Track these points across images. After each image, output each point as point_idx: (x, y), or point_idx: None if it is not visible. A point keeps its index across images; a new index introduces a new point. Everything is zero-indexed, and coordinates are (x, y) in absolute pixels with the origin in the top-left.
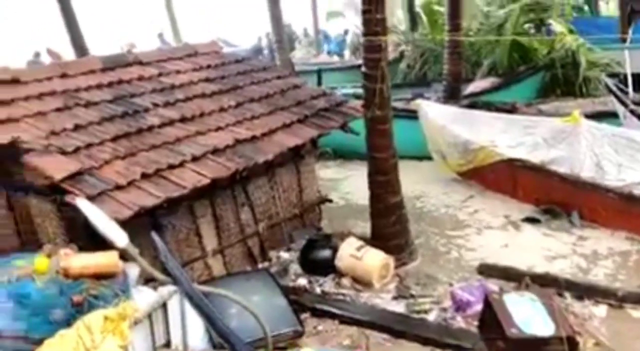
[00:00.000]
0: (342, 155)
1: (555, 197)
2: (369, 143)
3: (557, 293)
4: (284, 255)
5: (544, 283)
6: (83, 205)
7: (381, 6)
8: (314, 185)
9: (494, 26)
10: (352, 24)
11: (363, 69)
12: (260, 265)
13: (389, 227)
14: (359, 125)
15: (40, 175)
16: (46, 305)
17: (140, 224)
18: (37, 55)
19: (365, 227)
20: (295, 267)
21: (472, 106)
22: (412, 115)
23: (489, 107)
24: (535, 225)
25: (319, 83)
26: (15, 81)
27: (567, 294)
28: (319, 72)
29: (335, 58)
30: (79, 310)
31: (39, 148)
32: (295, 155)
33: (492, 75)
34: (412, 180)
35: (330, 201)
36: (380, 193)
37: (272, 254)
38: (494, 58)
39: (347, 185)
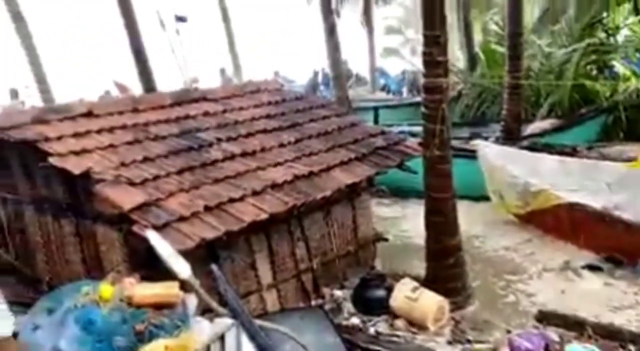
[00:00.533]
0: (399, 193)
1: (619, 244)
2: (427, 183)
3: (620, 346)
4: (338, 292)
5: (607, 335)
6: (151, 236)
7: (442, 48)
8: (369, 222)
9: (555, 67)
10: (408, 61)
11: (423, 109)
12: (313, 302)
13: (446, 269)
14: (416, 163)
15: (109, 204)
16: (110, 332)
17: (198, 255)
18: (107, 93)
19: (420, 267)
20: (348, 305)
21: (531, 148)
22: (470, 154)
23: (549, 149)
24: (597, 273)
25: (376, 120)
26: (89, 114)
27: (631, 347)
28: (375, 110)
29: (391, 95)
30: (140, 338)
31: (109, 179)
32: (351, 192)
33: (552, 116)
34: (468, 221)
35: (386, 240)
36: (438, 234)
37: (326, 291)
38: (554, 99)
39: (403, 224)
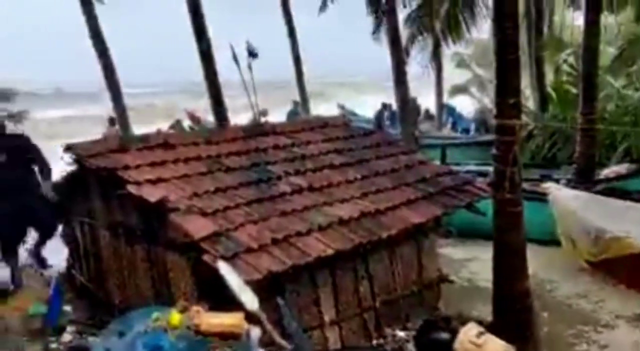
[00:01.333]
0: (466, 234)
1: None
2: (497, 225)
3: None
4: (400, 333)
5: None
6: (222, 266)
7: (515, 89)
8: (435, 263)
9: (631, 109)
10: (477, 99)
11: (494, 150)
12: (375, 341)
13: (514, 314)
14: (485, 204)
15: (181, 233)
16: None
17: (262, 287)
18: (177, 122)
19: (486, 311)
20: (410, 347)
21: (606, 192)
22: (540, 197)
23: (624, 194)
24: None
25: (443, 158)
26: (166, 144)
27: None
28: (443, 148)
29: (459, 133)
30: None
31: (182, 208)
32: (417, 232)
33: (627, 160)
34: (538, 265)
35: (451, 281)
36: (506, 278)
37: (388, 331)
38: (630, 142)
39: (470, 266)
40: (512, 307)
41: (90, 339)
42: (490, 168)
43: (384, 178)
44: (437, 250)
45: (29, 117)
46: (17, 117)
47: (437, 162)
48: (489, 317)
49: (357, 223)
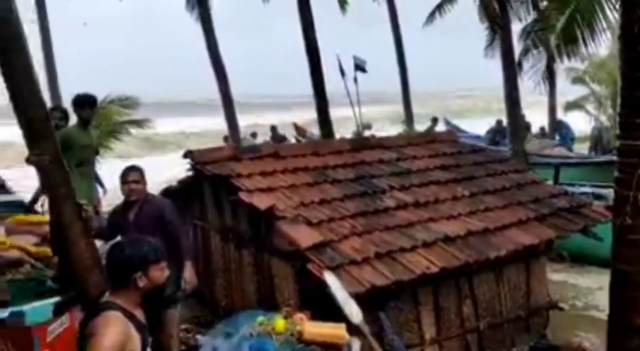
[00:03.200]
0: (580, 260)
1: None
2: (616, 253)
3: None
4: None
5: None
6: (328, 277)
7: None
8: (544, 288)
9: None
10: (594, 117)
11: (616, 173)
12: None
13: (630, 350)
14: (603, 229)
15: (287, 241)
16: None
17: (362, 300)
18: (253, 135)
19: (598, 344)
20: None
21: None
22: None
23: None
24: None
25: (556, 178)
26: (276, 155)
27: None
28: (556, 167)
29: (572, 153)
30: None
31: (289, 217)
32: (527, 254)
33: None
34: None
35: (561, 308)
36: (624, 310)
37: None
38: None
39: (583, 293)
40: (629, 342)
41: (198, 337)
42: (608, 191)
43: (494, 197)
44: (547, 275)
45: (150, 125)
46: (140, 124)
47: (550, 182)
48: (601, 350)
49: (463, 242)
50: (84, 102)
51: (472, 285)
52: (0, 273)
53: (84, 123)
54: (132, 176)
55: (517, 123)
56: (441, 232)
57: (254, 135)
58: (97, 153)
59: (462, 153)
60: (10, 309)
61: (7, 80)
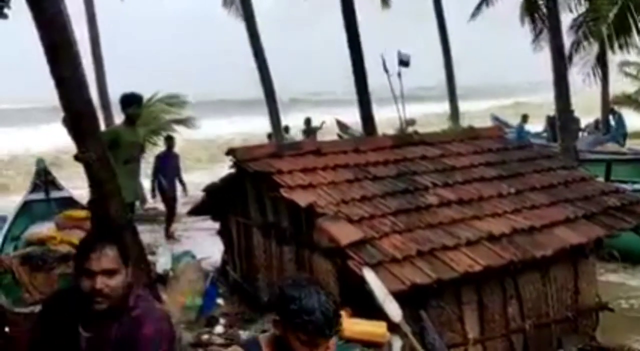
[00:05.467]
0: (631, 259)
1: None
2: None
3: None
4: None
5: None
6: (368, 274)
7: None
8: (593, 288)
9: None
10: None
11: None
12: None
13: None
14: None
15: (327, 238)
16: None
17: (403, 299)
18: (286, 129)
19: None
20: None
21: None
22: None
23: None
24: None
25: (607, 175)
26: (317, 152)
27: None
28: (608, 164)
29: (624, 149)
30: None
31: (330, 214)
32: (575, 253)
33: None
34: None
35: (611, 310)
36: None
37: None
38: None
39: (634, 294)
40: None
41: (241, 332)
42: None
43: (540, 194)
44: (597, 275)
45: (195, 123)
46: (186, 123)
47: (601, 179)
48: None
49: (508, 240)
50: (130, 100)
51: (517, 284)
52: (51, 268)
53: (130, 121)
54: (104, 260)
55: (566, 119)
56: (485, 230)
57: (286, 129)
58: (142, 151)
59: (508, 149)
60: None
61: (56, 77)
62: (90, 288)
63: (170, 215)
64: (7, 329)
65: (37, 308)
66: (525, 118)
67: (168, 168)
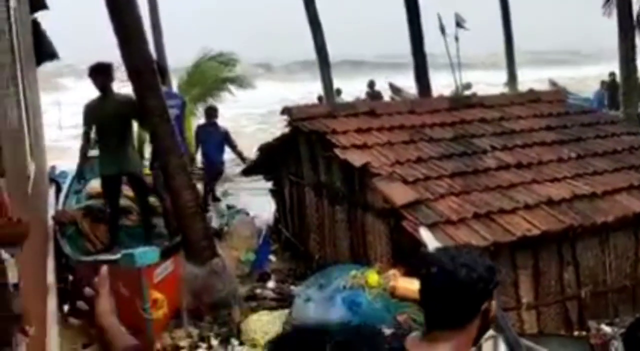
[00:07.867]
0: None
1: None
2: None
3: None
4: (606, 328)
5: None
6: (424, 233)
7: None
8: None
9: None
10: None
11: None
12: (576, 332)
13: None
14: None
15: (381, 198)
16: (374, 317)
17: None
18: (337, 91)
19: None
20: (616, 344)
21: None
22: None
23: None
24: None
25: None
26: (372, 113)
27: None
28: None
29: None
30: (402, 331)
31: (384, 175)
32: (637, 221)
33: None
34: None
35: None
36: None
37: (592, 324)
38: None
39: None
40: None
41: (292, 287)
42: None
43: (603, 160)
44: None
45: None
46: (240, 82)
47: None
48: None
49: (568, 205)
50: (99, 70)
51: (575, 250)
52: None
53: (103, 92)
54: None
55: (630, 85)
56: (544, 194)
57: (338, 91)
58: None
59: (569, 113)
60: (122, 251)
61: (119, 36)
62: None
63: (211, 186)
64: (70, 277)
65: (100, 257)
66: (604, 84)
67: (209, 141)
